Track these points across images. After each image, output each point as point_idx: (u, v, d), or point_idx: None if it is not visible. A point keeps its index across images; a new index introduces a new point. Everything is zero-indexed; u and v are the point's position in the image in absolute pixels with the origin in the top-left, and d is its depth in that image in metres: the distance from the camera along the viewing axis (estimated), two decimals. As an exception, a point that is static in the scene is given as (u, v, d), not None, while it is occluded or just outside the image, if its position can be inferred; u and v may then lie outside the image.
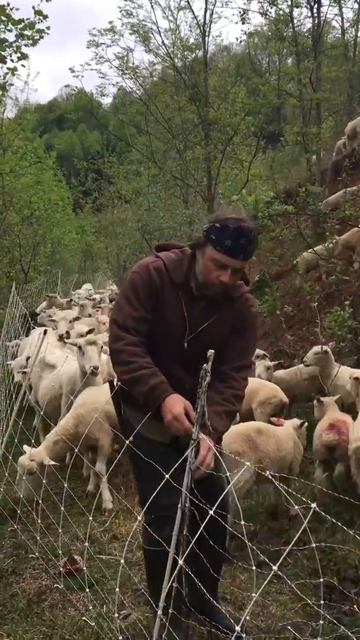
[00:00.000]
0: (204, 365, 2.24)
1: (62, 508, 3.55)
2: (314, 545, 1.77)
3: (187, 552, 2.18)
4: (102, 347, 5.26)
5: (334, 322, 6.38)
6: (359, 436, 4.20)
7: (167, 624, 2.24)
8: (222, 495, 2.28)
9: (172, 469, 2.24)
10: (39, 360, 5.86)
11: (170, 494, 2.26)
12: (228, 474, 2.19)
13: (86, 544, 2.88)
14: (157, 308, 2.52)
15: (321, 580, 2.17)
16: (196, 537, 2.08)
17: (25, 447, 4.15)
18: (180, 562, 2.09)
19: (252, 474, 3.88)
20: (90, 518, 2.78)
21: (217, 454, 2.29)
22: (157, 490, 2.27)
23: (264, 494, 4.64)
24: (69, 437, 4.29)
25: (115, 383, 2.71)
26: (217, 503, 2.02)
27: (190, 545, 2.13)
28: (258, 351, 6.70)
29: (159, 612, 2.23)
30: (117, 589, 2.32)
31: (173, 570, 2.22)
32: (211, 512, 1.95)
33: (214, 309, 2.54)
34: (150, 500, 2.36)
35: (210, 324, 2.53)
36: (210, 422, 2.37)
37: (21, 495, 3.97)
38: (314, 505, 1.70)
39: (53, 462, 4.13)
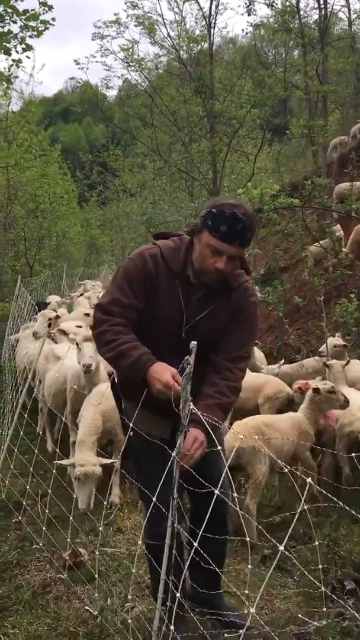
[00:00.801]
0: (186, 357, 2.19)
1: (75, 496, 3.56)
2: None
3: (194, 546, 2.17)
4: None
5: (345, 312, 6.36)
6: (352, 420, 4.38)
7: (167, 616, 2.25)
8: (222, 489, 2.26)
9: (169, 464, 2.22)
10: (47, 352, 5.87)
11: (167, 489, 2.25)
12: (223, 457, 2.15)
13: (101, 528, 2.84)
14: (152, 296, 2.46)
15: (321, 574, 2.16)
16: (195, 536, 2.07)
17: (60, 462, 3.96)
18: (191, 552, 2.08)
19: (268, 467, 3.89)
20: (106, 508, 2.77)
21: (218, 446, 2.26)
22: (154, 485, 2.26)
23: (270, 488, 4.64)
24: (99, 436, 4.28)
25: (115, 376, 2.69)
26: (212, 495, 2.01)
27: (188, 539, 2.12)
28: None
29: (159, 604, 2.24)
30: (134, 571, 2.32)
31: (170, 562, 2.23)
32: (215, 489, 1.93)
33: (212, 298, 2.48)
34: (148, 496, 2.35)
35: (208, 313, 2.47)
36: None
37: (84, 507, 3.80)
38: (309, 480, 1.68)
39: (110, 461, 4.11)
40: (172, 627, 2.13)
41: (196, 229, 2.46)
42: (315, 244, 9.41)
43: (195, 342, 2.20)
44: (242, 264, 2.60)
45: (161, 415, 2.41)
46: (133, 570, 2.53)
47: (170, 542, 2.26)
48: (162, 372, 2.22)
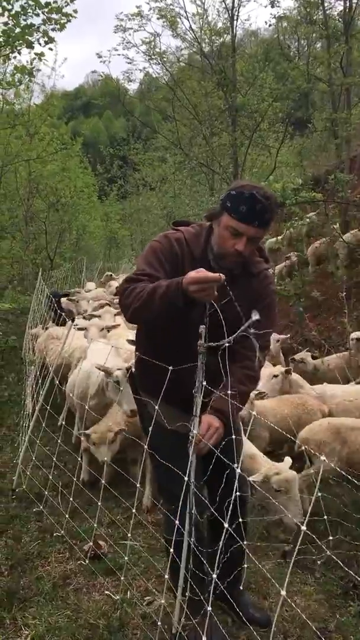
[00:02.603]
0: (199, 341, 2.20)
1: (102, 485, 3.57)
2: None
3: (222, 541, 2.16)
4: None
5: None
6: None
7: (186, 609, 2.24)
8: (240, 483, 2.24)
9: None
10: (81, 349, 5.88)
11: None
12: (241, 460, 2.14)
13: (133, 517, 2.86)
14: None
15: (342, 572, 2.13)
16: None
17: None
18: (225, 544, 2.07)
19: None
20: (142, 495, 2.77)
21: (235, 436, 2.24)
22: (174, 479, 2.25)
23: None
24: None
25: (132, 370, 2.68)
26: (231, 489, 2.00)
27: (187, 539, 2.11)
28: (275, 335, 6.40)
29: (179, 594, 2.24)
30: (155, 564, 2.31)
31: (189, 556, 2.22)
32: (236, 472, 1.92)
33: (233, 285, 2.45)
34: (167, 491, 2.34)
35: (230, 300, 2.45)
36: (217, 404, 2.35)
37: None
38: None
39: None
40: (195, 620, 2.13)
41: (215, 213, 2.46)
42: (340, 239, 9.27)
43: (204, 326, 2.19)
44: (260, 253, 2.59)
45: (180, 409, 2.40)
46: (159, 564, 2.53)
47: (189, 528, 2.26)
48: (191, 276, 2.10)
